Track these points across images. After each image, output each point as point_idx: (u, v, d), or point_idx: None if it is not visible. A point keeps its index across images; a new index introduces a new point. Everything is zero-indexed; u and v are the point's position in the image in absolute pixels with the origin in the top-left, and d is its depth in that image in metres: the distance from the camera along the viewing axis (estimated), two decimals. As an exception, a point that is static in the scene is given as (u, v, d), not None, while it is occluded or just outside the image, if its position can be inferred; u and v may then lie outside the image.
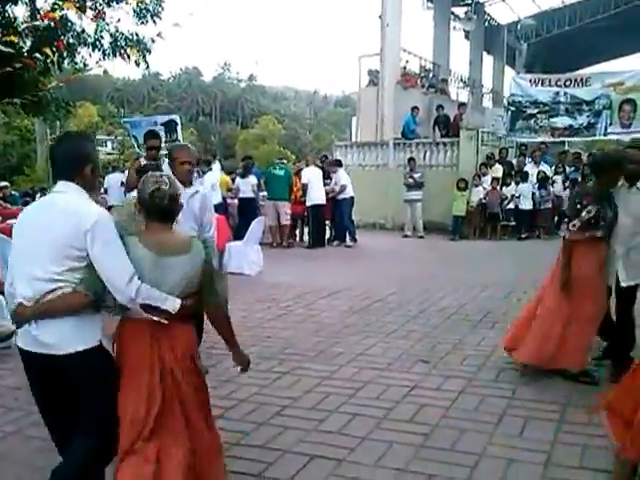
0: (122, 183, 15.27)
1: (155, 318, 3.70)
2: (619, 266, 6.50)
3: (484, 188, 19.74)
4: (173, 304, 3.73)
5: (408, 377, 6.69)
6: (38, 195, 20.92)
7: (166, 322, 3.71)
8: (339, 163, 19.46)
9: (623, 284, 6.50)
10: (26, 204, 18.55)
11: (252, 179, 17.95)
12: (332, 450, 5.00)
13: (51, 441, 4.13)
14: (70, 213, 3.61)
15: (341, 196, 18.45)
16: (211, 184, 14.46)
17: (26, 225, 3.77)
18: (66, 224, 3.57)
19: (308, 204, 18.09)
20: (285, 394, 6.26)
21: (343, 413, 5.76)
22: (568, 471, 4.57)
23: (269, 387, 6.45)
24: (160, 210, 3.83)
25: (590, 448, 4.90)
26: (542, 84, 19.58)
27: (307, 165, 19.05)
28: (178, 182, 4.59)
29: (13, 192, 21.98)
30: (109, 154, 53.15)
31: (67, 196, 3.73)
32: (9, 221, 11.99)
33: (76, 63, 18.45)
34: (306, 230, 19.46)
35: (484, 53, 32.87)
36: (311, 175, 18.15)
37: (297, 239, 19.68)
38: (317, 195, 18.00)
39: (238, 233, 14.40)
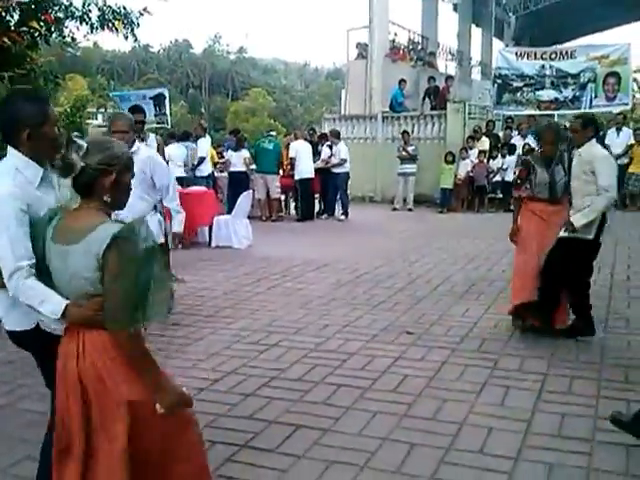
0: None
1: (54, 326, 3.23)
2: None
3: (471, 161, 19.83)
4: (52, 308, 3.07)
5: (393, 348, 6.79)
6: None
7: (55, 329, 3.22)
8: (339, 135, 19.38)
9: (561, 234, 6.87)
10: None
11: (245, 153, 17.90)
12: (317, 420, 5.09)
13: (40, 415, 4.20)
14: None
15: (338, 170, 18.43)
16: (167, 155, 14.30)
17: None
18: None
19: (297, 178, 18.10)
20: (272, 366, 6.35)
21: (328, 384, 5.85)
22: (546, 439, 4.67)
23: (256, 359, 6.52)
24: (72, 182, 3.10)
25: (568, 416, 5.02)
26: (528, 57, 19.60)
27: (296, 139, 19.05)
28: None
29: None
30: (99, 127, 52.88)
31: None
32: None
33: (64, 37, 18.32)
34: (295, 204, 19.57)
35: (472, 26, 32.78)
36: (300, 149, 18.13)
37: (285, 213, 19.76)
38: (305, 169, 18.00)
39: (230, 207, 14.45)
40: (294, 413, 5.25)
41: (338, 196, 18.73)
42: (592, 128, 6.98)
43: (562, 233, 6.80)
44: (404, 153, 20.16)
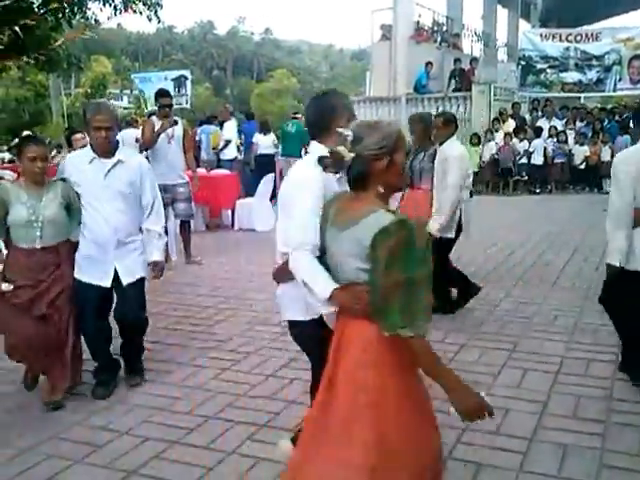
0: (136, 140, 15.45)
1: None
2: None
3: (496, 143, 19.78)
4: (321, 289, 3.14)
5: (413, 331, 6.84)
6: (54, 152, 20.80)
7: None
8: None
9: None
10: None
11: (271, 136, 17.97)
12: (336, 400, 5.17)
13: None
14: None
15: None
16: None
17: None
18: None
19: None
20: (292, 347, 6.35)
21: (348, 365, 5.93)
22: (561, 420, 4.73)
23: (277, 341, 6.62)
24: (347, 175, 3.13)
25: (584, 398, 5.06)
26: (553, 39, 19.51)
27: None
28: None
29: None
30: (125, 108, 53.01)
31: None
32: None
33: (87, 19, 18.44)
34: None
35: (498, 6, 32.38)
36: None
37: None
38: None
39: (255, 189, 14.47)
40: (313, 394, 5.34)
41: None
42: (454, 125, 7.43)
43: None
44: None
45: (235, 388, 5.35)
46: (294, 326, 3.77)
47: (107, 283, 5.30)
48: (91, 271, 5.26)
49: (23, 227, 5.09)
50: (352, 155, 2.95)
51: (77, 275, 5.27)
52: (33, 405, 5.22)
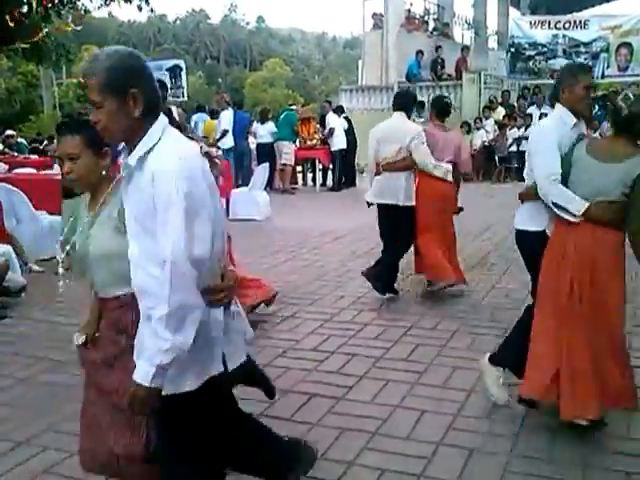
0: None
1: None
2: None
3: (486, 131, 19.78)
4: (577, 207, 4.16)
5: (406, 318, 6.93)
6: (45, 142, 20.79)
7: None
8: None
9: None
10: (33, 151, 18.53)
11: (270, 125, 18.12)
12: (331, 389, 5.24)
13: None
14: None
15: None
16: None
17: None
18: None
19: (334, 149, 18.51)
20: (287, 337, 6.49)
21: (342, 354, 6.00)
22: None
23: (272, 330, 6.69)
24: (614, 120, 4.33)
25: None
26: (542, 26, 19.58)
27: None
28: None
29: (20, 140, 21.84)
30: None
31: None
32: (16, 170, 12.10)
33: (76, 9, 18.35)
34: (310, 176, 19.84)
35: (488, -6, 32.32)
36: (338, 121, 18.68)
37: (302, 184, 19.94)
38: (343, 140, 18.57)
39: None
40: (309, 382, 5.40)
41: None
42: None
43: None
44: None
45: (230, 378, 5.40)
46: (526, 234, 4.68)
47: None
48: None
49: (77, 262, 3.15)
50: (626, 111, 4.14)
51: None
52: (28, 397, 5.26)
